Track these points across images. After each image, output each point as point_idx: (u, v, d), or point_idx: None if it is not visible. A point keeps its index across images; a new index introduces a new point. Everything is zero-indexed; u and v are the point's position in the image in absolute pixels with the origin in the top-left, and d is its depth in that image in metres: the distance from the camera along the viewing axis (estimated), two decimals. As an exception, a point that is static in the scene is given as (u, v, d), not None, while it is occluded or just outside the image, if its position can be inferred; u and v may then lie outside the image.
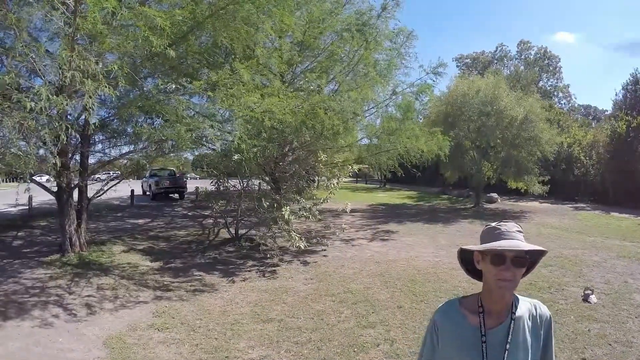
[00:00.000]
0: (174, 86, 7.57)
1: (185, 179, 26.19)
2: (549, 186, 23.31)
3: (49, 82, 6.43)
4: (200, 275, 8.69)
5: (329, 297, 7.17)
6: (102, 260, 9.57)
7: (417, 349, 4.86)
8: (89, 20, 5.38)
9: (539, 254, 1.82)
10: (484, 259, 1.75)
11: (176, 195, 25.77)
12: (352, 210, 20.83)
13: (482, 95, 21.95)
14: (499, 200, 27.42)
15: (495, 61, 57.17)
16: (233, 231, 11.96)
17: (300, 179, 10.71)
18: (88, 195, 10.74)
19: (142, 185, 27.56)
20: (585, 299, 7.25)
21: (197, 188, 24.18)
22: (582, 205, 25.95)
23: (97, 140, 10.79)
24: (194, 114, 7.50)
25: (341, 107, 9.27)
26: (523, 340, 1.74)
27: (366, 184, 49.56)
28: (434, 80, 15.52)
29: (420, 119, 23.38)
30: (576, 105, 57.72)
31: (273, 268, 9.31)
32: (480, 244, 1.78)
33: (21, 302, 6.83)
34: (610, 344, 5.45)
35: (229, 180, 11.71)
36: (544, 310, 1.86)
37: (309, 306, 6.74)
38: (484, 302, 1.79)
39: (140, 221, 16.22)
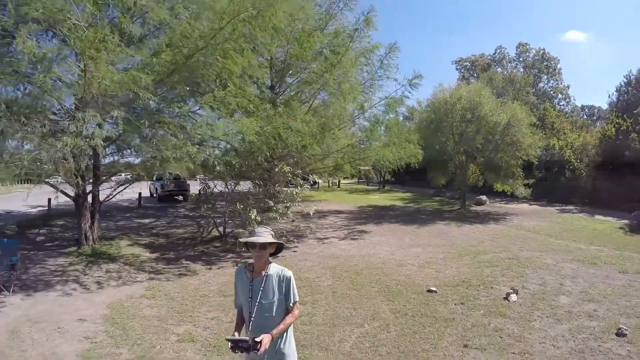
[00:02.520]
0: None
1: (188, 182, 28.11)
2: (531, 189, 24.40)
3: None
4: (187, 264, 10.77)
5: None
6: (111, 251, 11.68)
7: (328, 322, 6.70)
8: (96, 84, 7.35)
9: (280, 244, 3.50)
10: (249, 245, 3.38)
11: (180, 197, 27.85)
12: (340, 212, 22.68)
13: (464, 102, 23.06)
14: (488, 203, 28.23)
15: (494, 64, 57.83)
16: (222, 230, 13.94)
17: (272, 185, 12.56)
18: (100, 199, 12.83)
19: (149, 188, 29.60)
20: (506, 297, 7.92)
21: (199, 191, 26.21)
22: (570, 207, 26.47)
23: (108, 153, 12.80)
24: (181, 136, 9.50)
25: (298, 127, 11.06)
26: (272, 286, 3.31)
27: (367, 185, 51.21)
28: (410, 92, 17.50)
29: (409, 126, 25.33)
30: (578, 106, 58.12)
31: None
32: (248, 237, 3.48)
33: (47, 280, 9.01)
34: (501, 337, 6.15)
35: (216, 185, 13.68)
36: (286, 273, 3.39)
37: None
38: (254, 266, 3.39)
39: (146, 221, 18.32)
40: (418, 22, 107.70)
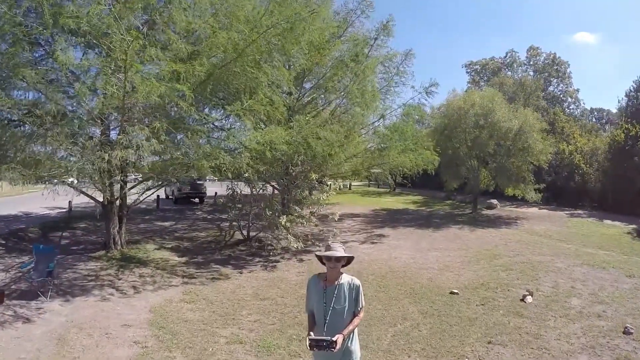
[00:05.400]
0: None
1: (205, 185, 28.37)
2: (542, 194, 24.74)
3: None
4: (217, 268, 11.12)
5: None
6: (140, 255, 12.01)
7: (364, 322, 6.71)
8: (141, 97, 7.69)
9: (351, 257, 3.96)
10: (323, 258, 3.82)
11: (196, 200, 28.24)
12: (355, 215, 23.00)
13: (478, 108, 23.69)
14: (499, 207, 28.46)
15: (505, 67, 57.97)
16: (245, 233, 14.30)
17: (301, 190, 13.05)
18: (127, 204, 13.12)
19: (165, 190, 29.89)
20: (522, 299, 8.70)
21: (215, 193, 26.58)
22: (579, 212, 26.81)
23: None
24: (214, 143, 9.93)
25: (327, 136, 11.49)
26: (344, 293, 3.74)
27: (378, 187, 51.45)
28: (426, 100, 17.86)
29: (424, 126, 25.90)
30: (588, 108, 58.39)
31: (274, 263, 11.69)
32: (324, 251, 3.88)
33: (82, 285, 9.22)
34: (520, 335, 6.86)
35: (241, 188, 14.04)
36: (356, 281, 3.85)
37: (295, 291, 9.06)
38: (327, 276, 3.83)
39: (166, 224, 18.68)
40: (429, 24, 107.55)
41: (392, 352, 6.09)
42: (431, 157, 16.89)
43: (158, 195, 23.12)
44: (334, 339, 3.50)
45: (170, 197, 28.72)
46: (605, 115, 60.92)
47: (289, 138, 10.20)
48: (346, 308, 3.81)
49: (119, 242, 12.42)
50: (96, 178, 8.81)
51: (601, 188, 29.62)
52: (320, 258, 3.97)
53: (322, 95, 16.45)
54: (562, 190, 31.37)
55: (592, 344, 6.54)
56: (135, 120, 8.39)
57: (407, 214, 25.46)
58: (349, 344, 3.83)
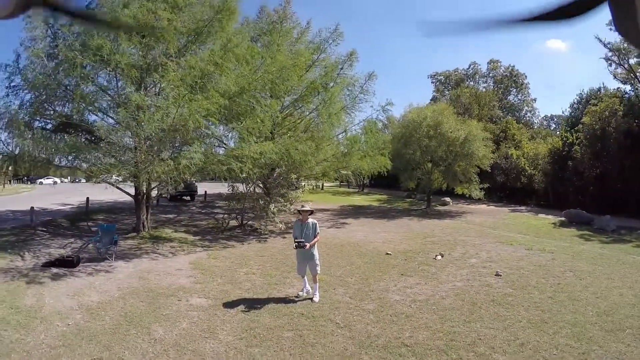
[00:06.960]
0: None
1: (196, 185, 32.12)
2: (484, 192, 29.39)
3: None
4: (224, 242, 15.29)
5: (292, 250, 13.44)
6: (164, 235, 15.90)
7: (326, 264, 11.19)
8: (191, 124, 11.93)
9: (312, 210, 8.62)
10: (300, 210, 8.58)
11: (188, 198, 32.08)
12: (325, 210, 27.26)
13: (429, 120, 28.01)
14: (451, 204, 32.97)
15: (468, 78, 62.73)
16: (239, 221, 18.48)
17: (282, 187, 17.33)
18: (152, 196, 17.13)
19: (157, 188, 33.54)
20: (434, 257, 12.66)
21: (205, 192, 30.50)
22: (522, 208, 31.12)
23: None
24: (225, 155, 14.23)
25: (302, 148, 15.78)
26: (309, 226, 8.41)
27: (348, 188, 55.71)
28: (383, 116, 22.31)
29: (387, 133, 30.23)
30: (541, 116, 64.12)
31: (265, 239, 16.00)
32: (300, 207, 8.78)
33: (132, 253, 12.96)
34: (424, 273, 10.83)
35: (237, 186, 18.24)
36: (315, 221, 8.54)
37: (281, 252, 13.35)
38: (302, 218, 8.50)
39: (170, 216, 22.66)
40: (403, 30, 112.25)
41: (341, 277, 10.44)
42: (384, 162, 21.24)
43: (162, 193, 26.99)
44: (306, 243, 7.97)
45: (164, 195, 32.22)
46: (563, 122, 66.18)
47: (276, 149, 14.50)
48: (310, 232, 8.22)
49: (147, 226, 16.33)
50: (162, 178, 12.80)
51: (544, 187, 33.84)
52: (299, 211, 8.45)
53: (298, 110, 20.53)
54: (511, 189, 36.03)
55: (469, 278, 10.39)
56: (188, 140, 12.55)
57: (370, 209, 29.90)
58: (312, 250, 8.28)
